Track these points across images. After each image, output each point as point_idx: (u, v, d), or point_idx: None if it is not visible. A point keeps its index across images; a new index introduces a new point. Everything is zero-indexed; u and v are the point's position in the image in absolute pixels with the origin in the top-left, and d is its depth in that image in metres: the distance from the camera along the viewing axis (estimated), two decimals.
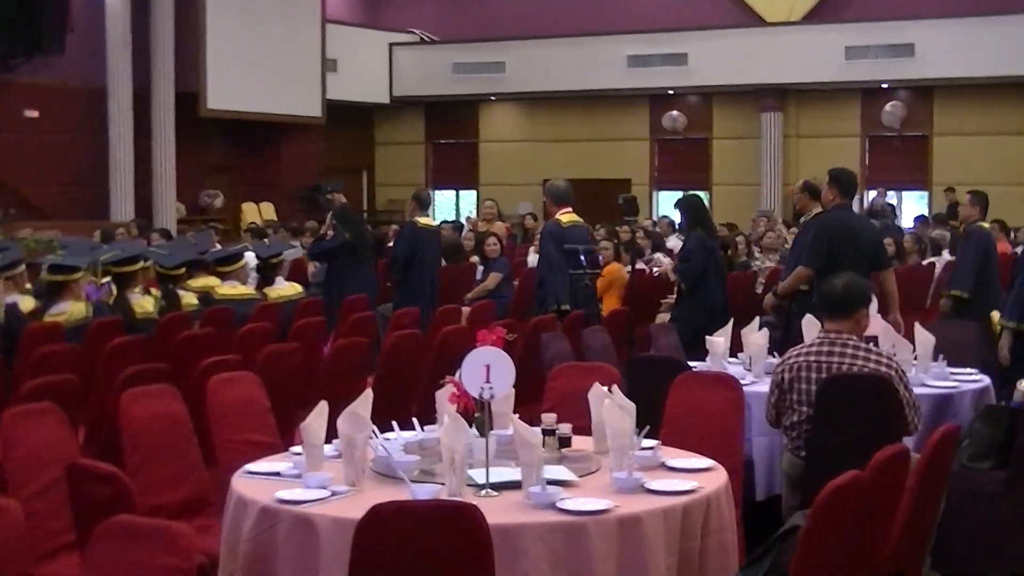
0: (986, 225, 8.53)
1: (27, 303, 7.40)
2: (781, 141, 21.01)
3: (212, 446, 4.75)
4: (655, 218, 18.88)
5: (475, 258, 11.76)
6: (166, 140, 18.72)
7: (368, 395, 4.02)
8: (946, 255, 12.14)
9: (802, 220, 8.30)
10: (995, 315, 7.39)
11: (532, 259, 12.54)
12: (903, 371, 5.00)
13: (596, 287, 9.63)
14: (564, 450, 4.13)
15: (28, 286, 7.97)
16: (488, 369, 3.78)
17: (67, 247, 9.27)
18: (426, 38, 23.95)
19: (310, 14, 21.05)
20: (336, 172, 22.66)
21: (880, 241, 7.85)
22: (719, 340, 6.19)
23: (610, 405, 4.04)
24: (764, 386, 5.45)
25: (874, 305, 5.53)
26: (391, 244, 12.09)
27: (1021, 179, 18.41)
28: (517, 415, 3.93)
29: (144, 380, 4.99)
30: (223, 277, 8.67)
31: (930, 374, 5.88)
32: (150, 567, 2.91)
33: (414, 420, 4.36)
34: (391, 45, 23.45)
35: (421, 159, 24.54)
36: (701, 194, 22.31)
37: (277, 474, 3.93)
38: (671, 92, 21.75)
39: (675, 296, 9.07)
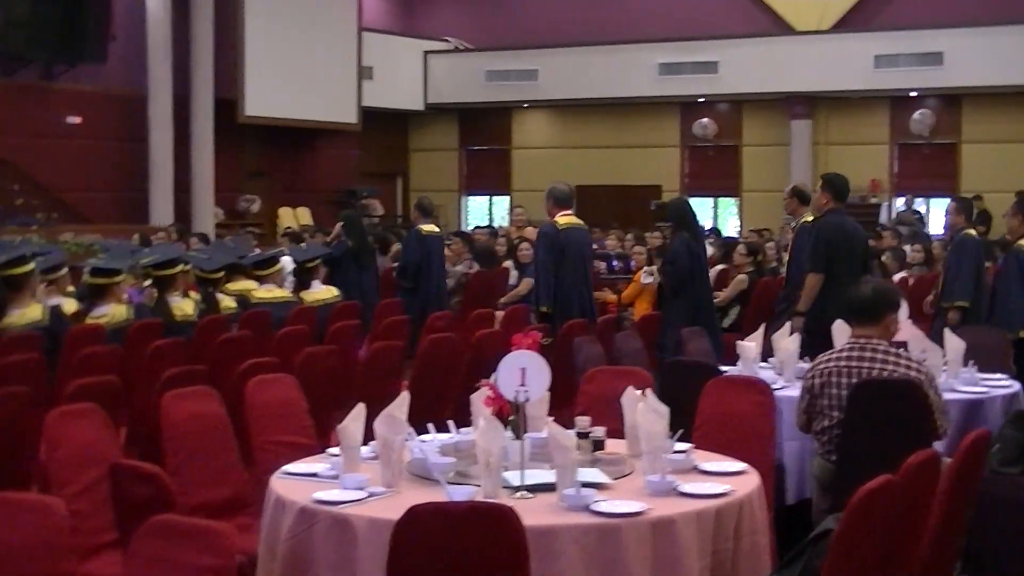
0: (973, 232, 8.50)
1: (70, 305, 7.52)
2: (810, 148, 21.08)
3: (250, 447, 4.79)
4: None
5: (509, 263, 11.82)
6: (205, 146, 18.90)
7: (405, 398, 4.06)
8: None
9: (792, 225, 8.46)
10: None
11: None
12: (933, 376, 5.02)
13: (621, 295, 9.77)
14: (598, 453, 4.17)
15: (70, 289, 8.10)
16: (523, 372, 3.82)
17: (108, 250, 9.39)
18: (460, 46, 24.06)
19: (347, 22, 21.20)
20: (371, 178, 22.85)
21: (868, 245, 8.10)
22: (750, 345, 6.21)
23: (644, 409, 4.07)
24: (795, 391, 5.48)
25: (904, 310, 5.54)
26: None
27: None
28: (551, 418, 3.98)
29: (184, 382, 5.04)
30: (260, 280, 8.76)
31: (960, 379, 5.89)
32: (191, 566, 2.93)
33: (450, 423, 4.40)
34: (426, 53, 23.60)
35: (455, 165, 24.68)
36: (731, 200, 22.47)
37: (315, 475, 3.97)
38: (701, 100, 21.86)
39: (658, 297, 9.18)
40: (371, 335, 8.14)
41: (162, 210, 18.42)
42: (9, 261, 7.06)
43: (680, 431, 4.17)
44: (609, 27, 22.15)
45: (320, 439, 5.08)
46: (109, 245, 10.60)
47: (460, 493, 3.57)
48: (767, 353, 6.40)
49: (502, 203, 23.91)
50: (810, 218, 8.21)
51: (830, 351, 5.21)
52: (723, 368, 5.96)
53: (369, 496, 3.67)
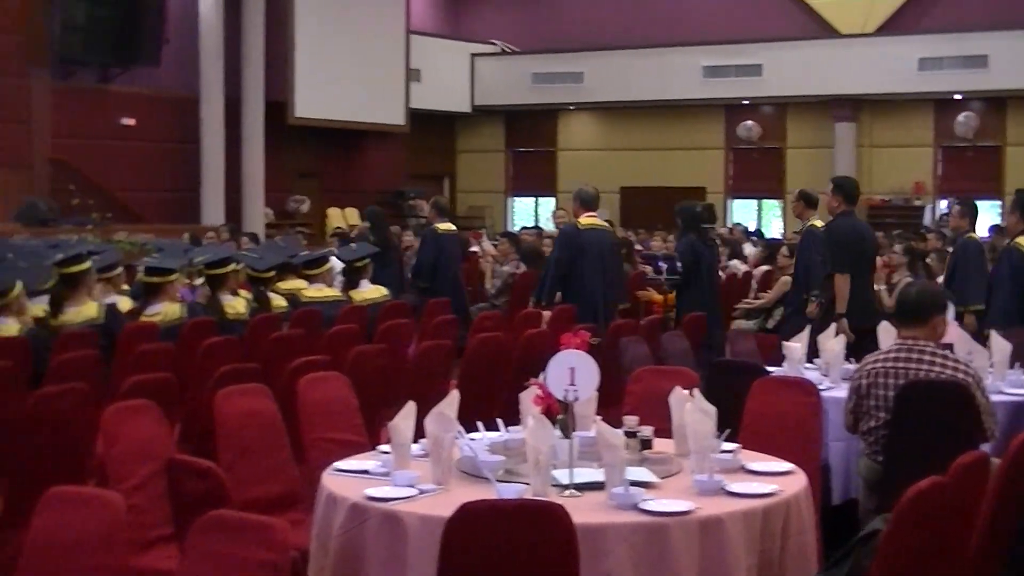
0: (975, 235, 8.68)
1: (124, 303, 7.61)
2: (854, 151, 21.09)
3: (302, 443, 4.83)
4: (729, 226, 18.97)
5: None
6: (255, 147, 19.11)
7: (455, 396, 4.08)
8: None
9: (796, 231, 8.69)
10: None
11: None
12: (980, 378, 5.00)
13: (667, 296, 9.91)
14: (646, 452, 4.18)
15: (125, 287, 8.21)
16: (573, 372, 3.85)
17: (162, 250, 9.49)
18: (507, 49, 24.16)
19: (395, 26, 21.36)
20: (419, 179, 22.98)
21: (878, 246, 8.47)
22: (796, 346, 6.21)
23: (692, 408, 4.09)
24: (841, 391, 5.50)
25: (950, 312, 5.52)
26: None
27: None
28: (599, 417, 4.01)
29: (237, 379, 5.07)
30: (310, 280, 8.83)
31: (1007, 381, 5.85)
32: (246, 560, 2.95)
33: (499, 421, 4.42)
34: (473, 56, 23.73)
35: (501, 167, 24.79)
36: (775, 202, 22.42)
37: (366, 472, 3.99)
38: (746, 102, 21.90)
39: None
40: (419, 334, 8.19)
41: (213, 210, 18.63)
42: (66, 259, 7.17)
43: (727, 431, 4.18)
44: (654, 30, 22.20)
45: (370, 437, 5.13)
46: (162, 244, 10.74)
47: (509, 491, 3.59)
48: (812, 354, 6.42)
49: (548, 204, 23.97)
50: (818, 222, 8.54)
51: (877, 352, 5.20)
52: (769, 369, 5.97)
53: (419, 493, 3.70)
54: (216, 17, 18.54)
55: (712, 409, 4.13)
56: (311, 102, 19.82)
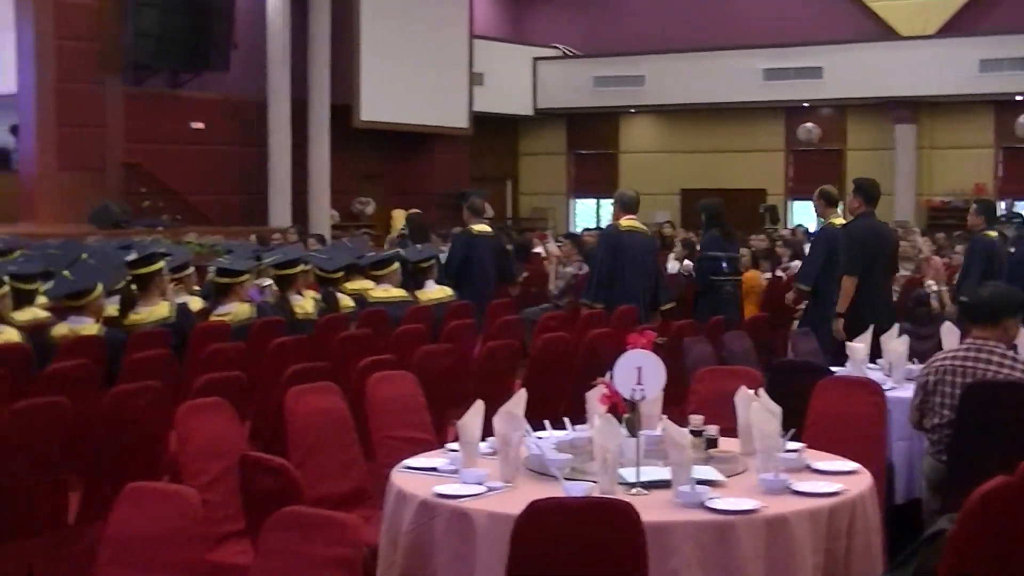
0: (992, 234, 8.85)
1: (195, 303, 7.74)
2: (915, 152, 20.95)
3: (371, 441, 4.88)
4: (791, 227, 18.91)
5: None
6: (321, 150, 19.31)
7: (522, 395, 4.12)
8: None
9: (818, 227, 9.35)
10: None
11: (672, 266, 12.60)
12: None
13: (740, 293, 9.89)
14: (711, 451, 4.20)
15: (196, 288, 8.34)
16: (640, 371, 3.87)
17: (232, 251, 9.62)
18: (569, 52, 24.23)
19: (458, 30, 21.52)
20: (482, 181, 23.10)
21: (897, 247, 8.58)
22: (860, 346, 6.19)
23: (758, 408, 4.10)
24: (904, 392, 5.50)
25: None
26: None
27: None
28: (665, 416, 4.03)
29: (307, 378, 5.12)
30: (377, 280, 8.91)
31: None
32: (320, 556, 2.98)
33: (566, 420, 4.45)
34: (535, 59, 23.86)
35: (563, 169, 24.88)
36: None
37: (435, 469, 4.03)
38: (806, 104, 21.86)
39: (695, 292, 9.66)
40: (484, 334, 8.24)
41: (280, 212, 18.85)
42: (139, 260, 7.30)
43: (792, 430, 4.19)
44: (714, 33, 22.22)
45: (437, 435, 5.18)
46: (232, 246, 10.88)
47: (577, 489, 3.62)
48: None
49: (609, 206, 23.92)
50: (838, 221, 8.66)
51: (947, 349, 5.19)
52: (833, 369, 5.97)
53: (488, 491, 3.73)
54: (283, 23, 18.76)
55: (778, 409, 4.14)
56: (376, 105, 20.00)
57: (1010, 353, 4.96)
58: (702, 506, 3.55)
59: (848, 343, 6.32)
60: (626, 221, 9.03)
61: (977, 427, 4.77)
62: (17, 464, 4.51)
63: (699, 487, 3.63)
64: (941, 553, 3.39)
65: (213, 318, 7.38)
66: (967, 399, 4.82)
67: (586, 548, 3.22)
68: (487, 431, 4.11)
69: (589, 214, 24.72)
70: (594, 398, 4.17)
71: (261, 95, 18.95)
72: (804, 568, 3.53)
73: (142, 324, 6.94)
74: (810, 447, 4.29)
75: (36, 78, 17.19)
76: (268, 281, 8.31)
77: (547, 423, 4.43)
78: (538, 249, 15.22)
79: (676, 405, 5.01)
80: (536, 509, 3.22)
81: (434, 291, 9.18)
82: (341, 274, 8.61)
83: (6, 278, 6.84)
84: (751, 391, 4.36)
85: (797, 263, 12.90)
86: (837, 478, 3.90)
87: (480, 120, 22.16)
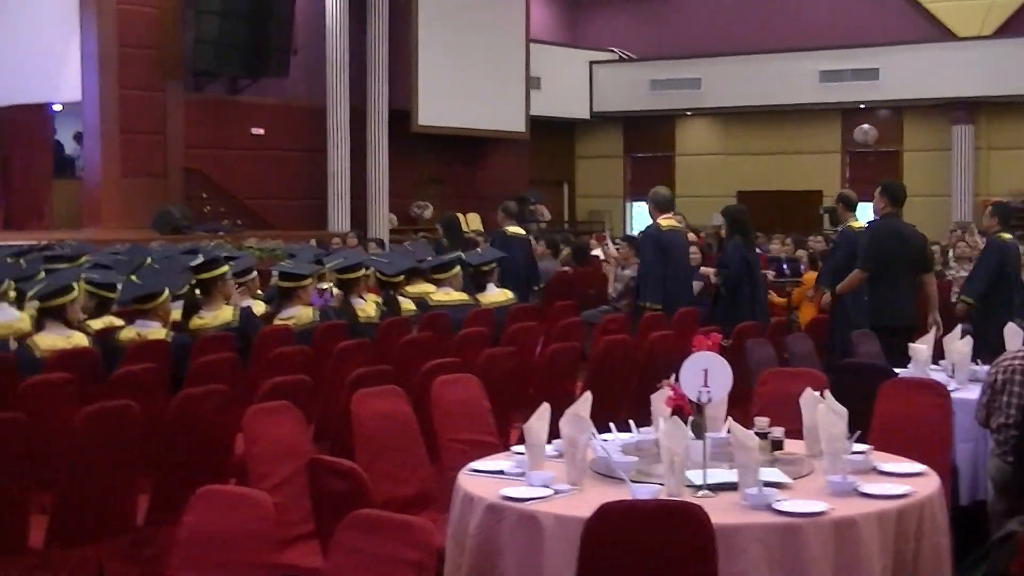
0: (1006, 236, 8.91)
1: (259, 307, 7.81)
2: (972, 153, 20.80)
3: (436, 444, 4.90)
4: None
5: None
6: (380, 155, 19.44)
7: (588, 398, 4.12)
8: None
9: (839, 228, 9.47)
10: None
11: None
12: None
13: (790, 297, 9.85)
14: (777, 453, 4.19)
15: (259, 292, 8.42)
16: (706, 373, 3.87)
17: (294, 255, 9.70)
18: (624, 56, 24.24)
19: (515, 35, 21.60)
20: (539, 184, 23.14)
21: (925, 247, 8.53)
22: (922, 348, 6.14)
23: (824, 410, 4.09)
24: (967, 393, 5.48)
25: None
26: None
27: None
28: (730, 418, 4.02)
29: (371, 381, 5.15)
30: (438, 284, 8.94)
31: None
32: (392, 559, 3.00)
33: (631, 422, 4.45)
34: (591, 63, 23.92)
35: (619, 172, 24.92)
36: None
37: (501, 472, 4.03)
38: (863, 106, 21.77)
39: (714, 297, 9.46)
40: (546, 337, 8.25)
41: (339, 216, 18.99)
42: (203, 264, 7.39)
43: (858, 432, 4.16)
44: (770, 35, 22.16)
45: (500, 438, 5.19)
46: (293, 250, 10.96)
47: (643, 491, 3.62)
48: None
49: None
50: (855, 224, 8.85)
51: (1016, 349, 5.14)
52: (896, 370, 5.93)
53: (555, 493, 3.73)
54: (342, 29, 18.91)
55: (844, 411, 4.11)
56: (434, 110, 20.12)
57: None
58: (769, 508, 3.54)
59: (911, 344, 6.27)
60: (665, 220, 9.09)
61: None
62: (87, 467, 4.58)
63: (766, 489, 3.62)
64: (1013, 555, 3.36)
65: (277, 322, 7.43)
66: None
67: (656, 551, 3.22)
68: (552, 434, 4.11)
69: (645, 217, 24.63)
70: (659, 400, 4.17)
71: (320, 100, 19.10)
72: (872, 570, 3.51)
73: (206, 328, 7.01)
74: (876, 449, 4.26)
75: (99, 86, 17.45)
76: (327, 284, 8.37)
77: (612, 426, 4.43)
78: (596, 252, 15.20)
79: (739, 407, 4.99)
80: (606, 512, 3.23)
81: (495, 294, 9.20)
82: (402, 278, 8.64)
83: (83, 284, 6.95)
84: (816, 393, 4.34)
85: None
86: (905, 480, 3.88)
87: (537, 124, 22.23)
